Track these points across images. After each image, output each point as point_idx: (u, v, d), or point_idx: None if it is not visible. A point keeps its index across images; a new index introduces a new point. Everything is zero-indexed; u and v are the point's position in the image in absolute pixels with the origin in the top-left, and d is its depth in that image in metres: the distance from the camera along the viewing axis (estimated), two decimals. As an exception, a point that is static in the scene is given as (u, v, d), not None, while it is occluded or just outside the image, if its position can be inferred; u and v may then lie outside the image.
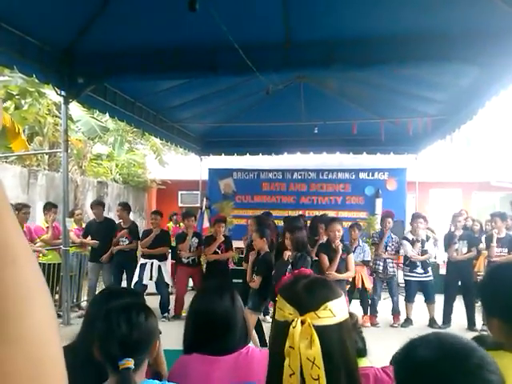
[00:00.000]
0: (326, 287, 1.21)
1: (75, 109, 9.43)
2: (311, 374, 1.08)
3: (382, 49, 4.30)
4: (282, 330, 1.15)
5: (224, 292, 1.95)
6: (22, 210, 6.98)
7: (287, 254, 5.14)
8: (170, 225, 10.09)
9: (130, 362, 1.47)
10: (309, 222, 7.97)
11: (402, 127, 7.70)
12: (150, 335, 1.58)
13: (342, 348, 1.15)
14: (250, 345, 1.94)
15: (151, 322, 1.60)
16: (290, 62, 4.63)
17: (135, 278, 7.47)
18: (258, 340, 5.31)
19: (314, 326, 1.11)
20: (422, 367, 0.91)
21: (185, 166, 14.24)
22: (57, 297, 7.60)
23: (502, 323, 1.38)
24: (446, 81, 5.87)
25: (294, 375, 1.10)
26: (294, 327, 1.11)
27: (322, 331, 1.11)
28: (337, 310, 1.15)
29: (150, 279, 7.43)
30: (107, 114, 6.68)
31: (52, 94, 8.68)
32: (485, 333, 6.46)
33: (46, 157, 11.13)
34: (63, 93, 5.24)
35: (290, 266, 5.05)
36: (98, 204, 7.91)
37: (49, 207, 7.65)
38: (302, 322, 1.11)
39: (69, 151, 6.42)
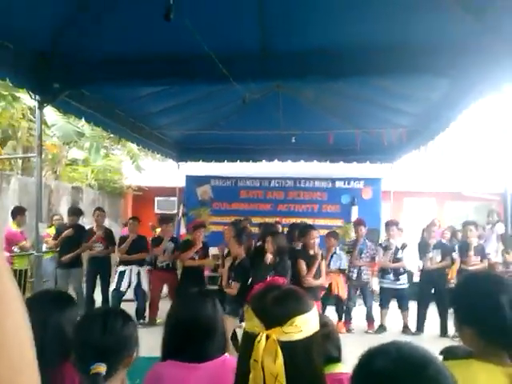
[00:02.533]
0: (295, 301, 1.19)
1: (50, 113, 9.29)
2: None
3: (355, 60, 4.37)
4: (248, 341, 1.15)
5: (206, 299, 1.94)
6: None
7: (269, 257, 5.16)
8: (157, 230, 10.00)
9: (101, 368, 1.43)
10: (285, 228, 8.01)
11: (377, 137, 7.84)
12: (126, 342, 1.56)
13: (308, 362, 1.15)
14: (226, 354, 1.94)
15: (128, 330, 1.58)
16: (267, 71, 4.67)
17: (112, 286, 7.40)
18: (234, 347, 5.29)
19: (279, 341, 1.10)
20: (378, 378, 0.92)
21: (162, 172, 14.14)
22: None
23: (474, 332, 1.40)
24: (419, 93, 6.00)
25: None
26: (258, 342, 1.11)
27: (287, 347, 1.11)
28: (304, 325, 1.15)
29: (129, 286, 7.37)
30: (83, 119, 6.60)
31: (26, 98, 8.54)
32: (457, 339, 6.59)
33: (20, 161, 10.93)
34: (38, 97, 5.16)
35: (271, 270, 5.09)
36: (78, 214, 7.83)
37: (18, 211, 7.55)
38: (267, 337, 1.11)
39: (43, 156, 6.33)
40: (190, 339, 1.82)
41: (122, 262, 7.54)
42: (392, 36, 4.26)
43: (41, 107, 5.23)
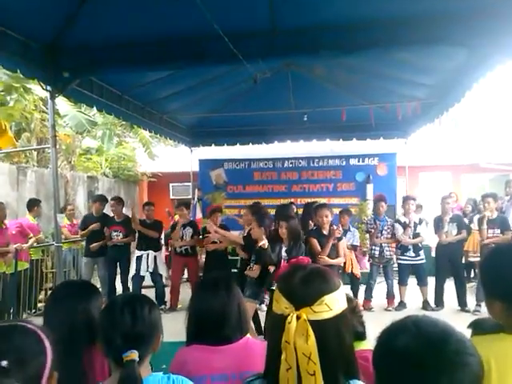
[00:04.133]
0: (323, 280, 1.19)
1: (62, 103, 9.33)
2: (307, 370, 1.09)
3: (369, 33, 4.27)
4: (278, 323, 1.15)
5: (220, 284, 1.97)
6: None
7: (262, 243, 5.16)
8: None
9: (134, 354, 1.45)
10: (300, 209, 7.98)
11: (391, 112, 7.71)
12: (154, 328, 1.58)
13: (339, 340, 1.15)
14: (248, 335, 1.96)
15: (155, 315, 1.60)
16: (277, 49, 4.59)
17: (132, 271, 7.49)
18: (254, 329, 5.33)
19: (309, 320, 1.10)
20: (399, 354, 0.90)
21: (175, 158, 14.18)
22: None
23: (503, 305, 1.39)
24: (434, 64, 5.88)
25: (291, 370, 1.10)
26: (289, 323, 1.10)
27: (317, 326, 1.11)
28: (333, 304, 1.14)
29: (147, 270, 7.45)
30: (94, 107, 6.61)
31: (38, 89, 8.57)
32: (478, 313, 6.57)
33: (35, 153, 11.02)
34: (49, 88, 5.15)
35: (285, 254, 5.09)
36: (102, 200, 7.90)
37: (34, 203, 7.64)
38: (298, 317, 1.11)
39: (57, 147, 6.37)
40: (207, 325, 1.88)
41: (138, 247, 7.61)
42: (406, 7, 4.14)
43: (53, 97, 5.24)
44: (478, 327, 1.76)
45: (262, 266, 5.14)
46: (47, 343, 1.13)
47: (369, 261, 7.54)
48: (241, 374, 1.77)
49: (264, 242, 5.11)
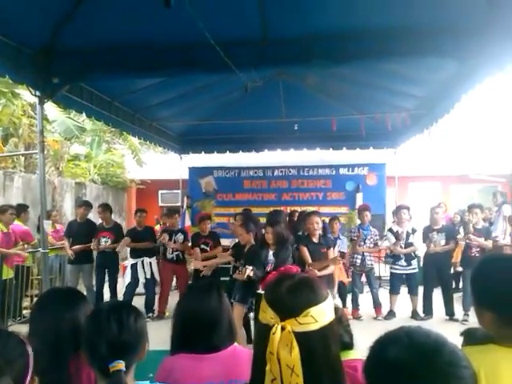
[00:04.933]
0: (310, 290, 1.17)
1: (51, 109, 9.26)
2: (290, 382, 1.07)
3: (360, 44, 4.29)
4: (263, 332, 1.13)
5: (212, 290, 1.95)
6: (7, 211, 6.91)
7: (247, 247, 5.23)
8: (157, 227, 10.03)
9: (121, 365, 1.43)
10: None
11: (380, 122, 7.76)
12: (140, 336, 1.55)
13: (325, 352, 1.13)
14: (235, 344, 1.94)
15: (141, 323, 1.57)
16: (269, 58, 4.59)
17: (126, 280, 7.43)
18: (245, 336, 5.28)
19: (294, 332, 1.08)
20: (391, 365, 0.89)
21: (164, 165, 14.12)
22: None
23: (493, 316, 1.37)
24: (424, 75, 5.93)
25: (275, 381, 1.08)
26: (273, 333, 1.08)
27: (303, 337, 1.09)
28: (320, 315, 1.12)
29: (145, 277, 7.42)
30: (84, 113, 6.56)
31: (26, 95, 8.49)
32: (466, 322, 6.59)
33: (22, 158, 10.90)
34: (38, 93, 5.11)
35: (271, 257, 5.10)
36: (87, 205, 7.84)
37: (22, 208, 7.55)
38: (282, 328, 1.09)
39: (45, 152, 6.30)
40: (196, 332, 1.85)
41: (132, 255, 7.54)
42: (397, 18, 4.18)
43: (41, 103, 5.18)
44: (469, 337, 1.76)
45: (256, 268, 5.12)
46: (28, 346, 1.22)
47: (350, 269, 7.55)
48: (229, 382, 1.75)
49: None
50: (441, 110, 6.67)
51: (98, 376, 1.50)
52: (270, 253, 5.17)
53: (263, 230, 5.53)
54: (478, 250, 6.89)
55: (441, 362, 0.86)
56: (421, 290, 7.37)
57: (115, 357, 1.44)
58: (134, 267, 7.45)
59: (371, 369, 0.94)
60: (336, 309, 1.45)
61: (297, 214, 7.99)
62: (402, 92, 6.87)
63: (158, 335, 1.98)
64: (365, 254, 7.46)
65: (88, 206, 7.82)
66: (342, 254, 7.40)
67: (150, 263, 7.50)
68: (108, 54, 4.79)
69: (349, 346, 2.30)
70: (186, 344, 1.85)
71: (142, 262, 7.46)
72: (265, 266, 5.05)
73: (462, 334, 1.77)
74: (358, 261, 7.44)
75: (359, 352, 2.30)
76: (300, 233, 6.62)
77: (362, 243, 7.46)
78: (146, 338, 1.59)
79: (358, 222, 8.07)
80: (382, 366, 0.91)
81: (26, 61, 4.68)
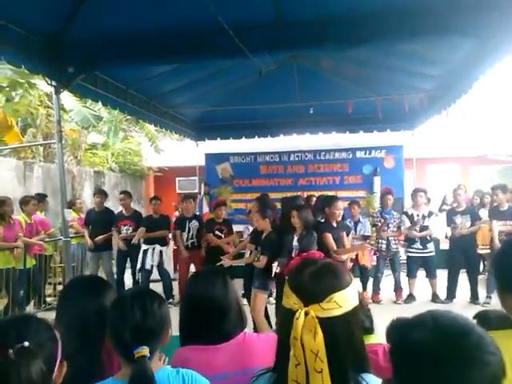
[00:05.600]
0: (333, 276, 1.17)
1: (67, 98, 9.32)
2: (314, 367, 1.07)
3: (375, 25, 4.20)
4: (287, 317, 1.13)
5: (216, 278, 1.91)
6: (30, 202, 7.03)
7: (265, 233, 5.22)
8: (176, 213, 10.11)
9: (145, 350, 1.45)
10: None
11: (397, 104, 7.65)
12: (164, 323, 1.57)
13: (348, 337, 1.13)
14: (246, 330, 1.93)
15: (164, 310, 1.59)
16: (282, 41, 4.54)
17: (138, 265, 7.51)
18: (266, 323, 5.30)
19: (318, 317, 1.08)
20: (417, 350, 0.87)
21: (181, 152, 14.16)
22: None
23: None
24: (441, 55, 5.81)
25: (300, 366, 1.08)
26: (297, 319, 1.09)
27: (326, 323, 1.09)
28: (343, 301, 1.12)
29: (151, 264, 7.46)
30: (99, 102, 6.60)
31: (43, 85, 8.57)
32: (488, 305, 6.52)
33: (41, 148, 11.05)
34: (54, 83, 5.14)
35: (296, 243, 5.08)
36: (102, 193, 7.91)
37: (40, 198, 7.67)
38: (306, 314, 1.09)
39: (63, 142, 6.36)
40: (204, 321, 1.82)
41: (145, 241, 7.62)
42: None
43: (57, 92, 5.22)
44: (483, 320, 1.73)
45: (268, 256, 5.13)
46: (56, 332, 1.28)
47: (375, 254, 7.51)
48: (242, 370, 1.74)
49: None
50: (459, 90, 6.54)
51: (123, 361, 1.52)
52: (295, 238, 5.15)
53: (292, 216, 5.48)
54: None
55: (467, 345, 0.84)
56: (443, 272, 7.30)
57: (139, 343, 1.46)
58: (144, 253, 7.51)
59: (396, 352, 0.93)
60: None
61: (314, 198, 7.93)
62: (419, 73, 6.74)
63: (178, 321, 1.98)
64: (389, 238, 7.41)
65: (102, 194, 7.90)
66: (365, 238, 7.38)
67: (161, 251, 7.54)
68: (121, 42, 4.79)
69: (369, 330, 2.29)
70: (195, 334, 1.82)
71: (153, 249, 7.50)
72: (290, 252, 5.04)
73: (475, 317, 1.75)
74: (384, 246, 7.39)
75: (380, 336, 2.29)
76: (320, 219, 6.56)
77: (386, 228, 7.40)
78: (169, 324, 1.61)
79: (376, 205, 8.01)
80: (406, 349, 0.90)
81: (40, 50, 4.71)
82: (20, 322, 1.26)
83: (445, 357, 0.84)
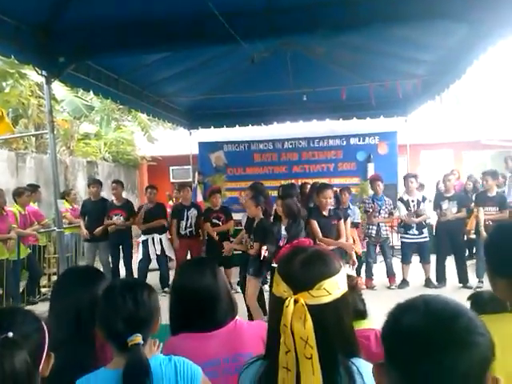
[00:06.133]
0: (323, 263, 1.18)
1: (58, 88, 9.26)
2: (304, 353, 1.08)
3: (367, 10, 4.16)
4: (277, 305, 1.14)
5: (204, 267, 1.93)
6: (24, 193, 7.01)
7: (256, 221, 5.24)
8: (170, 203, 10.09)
9: (139, 338, 1.48)
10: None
11: (391, 90, 7.62)
12: (154, 311, 1.60)
13: (338, 323, 1.14)
14: (237, 317, 1.94)
15: (154, 299, 1.62)
16: (274, 28, 4.49)
17: (139, 256, 7.51)
18: (261, 310, 5.33)
19: (307, 305, 1.10)
20: (408, 334, 0.88)
21: (174, 141, 14.12)
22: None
23: (508, 283, 1.36)
24: (434, 41, 5.78)
25: (290, 353, 1.10)
26: (286, 306, 1.10)
27: (316, 310, 1.10)
28: (333, 288, 1.14)
29: (156, 253, 7.48)
30: (91, 92, 6.54)
31: (33, 75, 8.48)
32: (480, 289, 6.58)
33: (33, 139, 10.97)
34: (44, 73, 5.09)
35: (284, 232, 5.08)
36: (97, 183, 7.88)
37: (32, 189, 7.64)
38: (296, 301, 1.10)
39: (55, 132, 6.32)
40: (194, 310, 1.84)
41: (143, 232, 7.61)
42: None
43: (48, 82, 5.17)
44: (476, 301, 1.75)
45: (260, 243, 5.14)
46: (43, 323, 1.28)
47: (365, 239, 7.54)
48: (233, 357, 1.75)
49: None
50: (452, 75, 6.54)
51: (116, 351, 1.54)
52: (283, 227, 5.16)
53: (275, 205, 5.51)
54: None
55: (458, 328, 0.85)
56: (434, 258, 7.37)
57: (132, 332, 1.49)
58: (144, 243, 7.51)
59: (388, 336, 0.94)
60: (350, 277, 1.46)
61: (308, 186, 7.94)
62: (413, 58, 6.72)
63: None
64: (380, 224, 7.44)
65: (98, 183, 7.86)
66: (356, 225, 7.40)
67: (161, 239, 7.55)
68: (112, 31, 4.74)
69: (362, 314, 2.31)
70: (186, 323, 1.84)
71: (153, 238, 7.50)
72: (278, 241, 5.05)
73: (469, 299, 1.77)
74: (374, 232, 7.43)
75: (372, 321, 2.31)
76: (311, 205, 6.58)
77: (377, 214, 7.43)
78: (158, 313, 1.64)
79: (371, 192, 8.03)
80: (398, 333, 0.90)
81: (30, 40, 4.66)
82: (6, 313, 1.26)
83: (436, 341, 0.84)
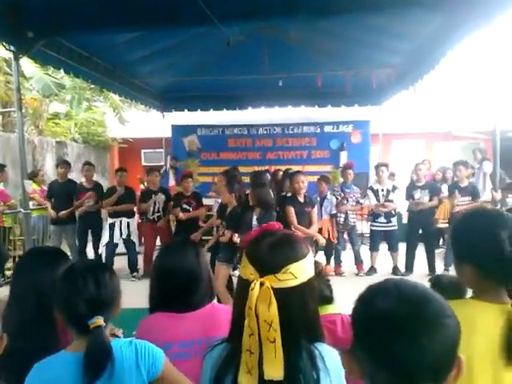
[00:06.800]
0: (290, 247, 1.18)
1: (27, 65, 8.95)
2: (268, 337, 1.09)
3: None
4: (243, 288, 1.14)
5: (189, 248, 1.93)
6: None
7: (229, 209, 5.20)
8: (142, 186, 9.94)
9: (100, 320, 1.46)
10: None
11: (365, 79, 7.66)
12: (115, 294, 1.58)
13: (302, 308, 1.15)
14: (214, 301, 1.95)
15: (115, 281, 1.60)
16: (253, 11, 4.43)
17: (105, 239, 7.38)
18: (229, 295, 5.32)
19: (273, 288, 1.10)
20: (379, 318, 0.88)
21: (147, 123, 13.89)
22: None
23: (473, 269, 1.39)
24: (409, 30, 5.82)
25: (253, 336, 1.09)
26: (252, 289, 1.09)
27: (281, 293, 1.10)
28: (299, 272, 1.14)
29: (120, 237, 7.36)
30: (62, 70, 6.35)
31: (1, 50, 8.17)
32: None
33: (0, 117, 10.63)
34: (12, 48, 4.91)
35: (255, 222, 5.07)
36: (65, 164, 7.70)
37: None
38: (261, 284, 1.10)
39: (23, 110, 6.13)
40: (174, 289, 1.83)
41: (111, 215, 7.49)
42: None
43: (17, 59, 4.99)
44: (437, 283, 1.79)
45: (232, 231, 5.12)
46: None
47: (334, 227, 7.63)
48: (207, 338, 1.75)
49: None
50: (426, 65, 6.60)
51: (75, 334, 1.51)
52: (254, 217, 5.14)
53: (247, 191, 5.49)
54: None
55: (428, 313, 0.86)
56: (403, 246, 7.50)
57: (93, 314, 1.46)
58: (111, 227, 7.39)
59: (359, 319, 0.93)
60: (316, 263, 1.46)
61: (280, 173, 7.95)
62: (388, 47, 6.75)
63: (144, 293, 1.97)
64: (348, 212, 7.52)
65: (66, 164, 7.68)
66: (333, 215, 7.43)
67: (128, 223, 7.45)
68: (83, 7, 4.59)
69: (328, 300, 2.33)
70: (164, 304, 1.84)
71: (120, 222, 7.39)
72: (250, 229, 5.02)
73: (430, 281, 1.81)
74: (342, 219, 7.51)
75: (339, 307, 2.34)
76: (284, 193, 6.59)
77: (345, 202, 7.51)
78: (119, 296, 1.62)
79: (341, 180, 8.10)
80: (370, 316, 0.90)
81: (-2, 14, 4.47)
82: None
83: (408, 325, 0.85)
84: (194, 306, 1.84)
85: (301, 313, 1.15)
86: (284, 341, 1.09)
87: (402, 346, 0.84)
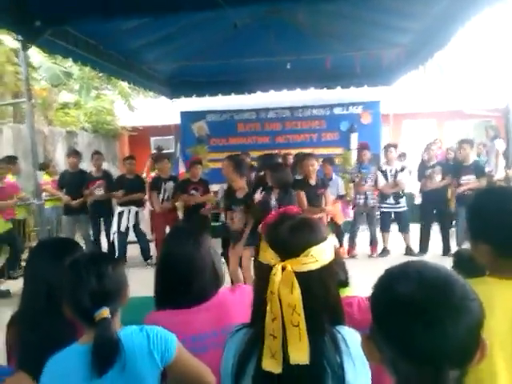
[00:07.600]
0: (310, 230, 1.17)
1: (36, 55, 8.97)
2: (291, 321, 1.09)
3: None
4: (264, 273, 1.13)
5: (188, 236, 1.87)
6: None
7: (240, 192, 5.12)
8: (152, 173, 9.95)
9: (106, 311, 1.45)
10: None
11: (375, 59, 7.56)
12: (120, 284, 1.57)
13: (324, 291, 1.15)
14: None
15: (119, 271, 1.58)
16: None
17: (114, 228, 7.42)
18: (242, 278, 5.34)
19: (295, 272, 1.09)
20: (401, 303, 0.86)
21: (156, 110, 13.87)
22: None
23: (489, 248, 1.38)
24: (419, 9, 5.71)
25: (276, 320, 1.09)
26: (274, 274, 1.09)
27: (303, 277, 1.10)
28: (320, 255, 1.13)
29: (127, 226, 7.39)
30: (70, 58, 6.34)
31: (8, 40, 8.19)
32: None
33: (10, 109, 10.68)
34: (20, 37, 4.91)
35: (274, 203, 5.03)
36: (76, 154, 7.73)
37: (10, 161, 7.45)
38: (283, 268, 1.10)
39: (33, 101, 6.14)
40: (174, 279, 1.79)
41: (120, 204, 7.52)
42: None
43: (25, 48, 4.99)
44: (458, 258, 1.78)
45: (254, 218, 5.06)
46: None
47: (353, 209, 7.61)
48: (222, 329, 1.71)
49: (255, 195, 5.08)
50: (436, 44, 6.48)
51: (85, 326, 1.51)
52: (273, 198, 5.10)
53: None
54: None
55: (453, 297, 0.85)
56: (415, 227, 7.47)
57: (98, 306, 1.46)
58: (120, 215, 7.42)
59: (379, 304, 0.92)
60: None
61: (290, 157, 7.90)
62: (397, 27, 6.64)
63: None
64: (367, 193, 7.48)
65: (77, 154, 7.71)
66: (339, 197, 7.41)
67: (137, 213, 7.46)
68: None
69: (344, 283, 2.34)
70: (170, 297, 1.79)
71: (129, 210, 7.41)
72: (270, 211, 4.98)
73: (453, 255, 1.80)
74: (361, 201, 7.48)
75: (354, 289, 2.34)
76: (297, 176, 6.57)
77: (364, 183, 7.45)
78: (126, 285, 1.60)
79: (354, 162, 8.05)
80: (392, 301, 0.88)
81: (4, 4, 4.46)
82: None
83: (432, 310, 0.84)
84: (200, 295, 1.78)
85: (323, 296, 1.15)
86: (307, 324, 1.09)
87: (426, 332, 0.83)
